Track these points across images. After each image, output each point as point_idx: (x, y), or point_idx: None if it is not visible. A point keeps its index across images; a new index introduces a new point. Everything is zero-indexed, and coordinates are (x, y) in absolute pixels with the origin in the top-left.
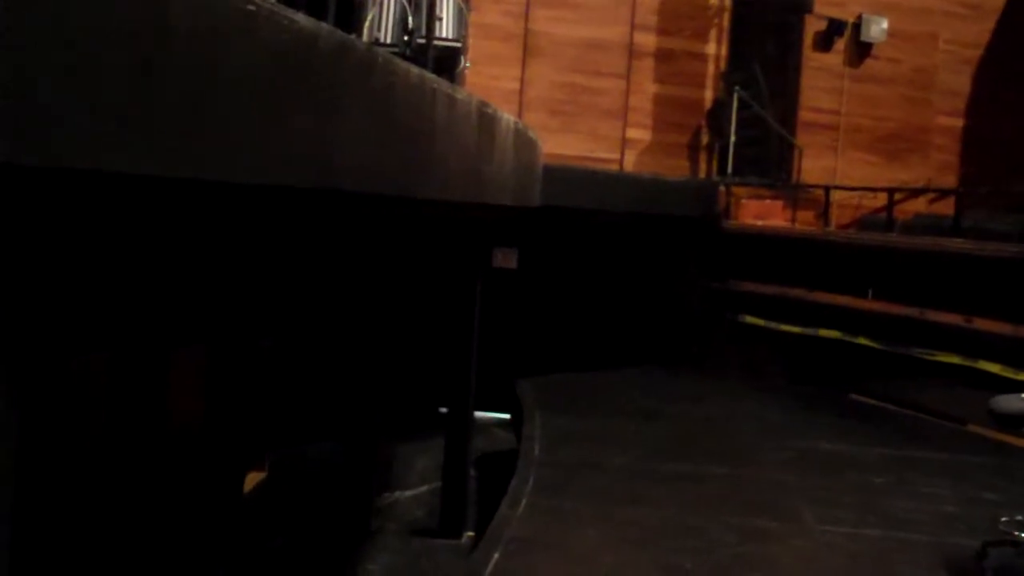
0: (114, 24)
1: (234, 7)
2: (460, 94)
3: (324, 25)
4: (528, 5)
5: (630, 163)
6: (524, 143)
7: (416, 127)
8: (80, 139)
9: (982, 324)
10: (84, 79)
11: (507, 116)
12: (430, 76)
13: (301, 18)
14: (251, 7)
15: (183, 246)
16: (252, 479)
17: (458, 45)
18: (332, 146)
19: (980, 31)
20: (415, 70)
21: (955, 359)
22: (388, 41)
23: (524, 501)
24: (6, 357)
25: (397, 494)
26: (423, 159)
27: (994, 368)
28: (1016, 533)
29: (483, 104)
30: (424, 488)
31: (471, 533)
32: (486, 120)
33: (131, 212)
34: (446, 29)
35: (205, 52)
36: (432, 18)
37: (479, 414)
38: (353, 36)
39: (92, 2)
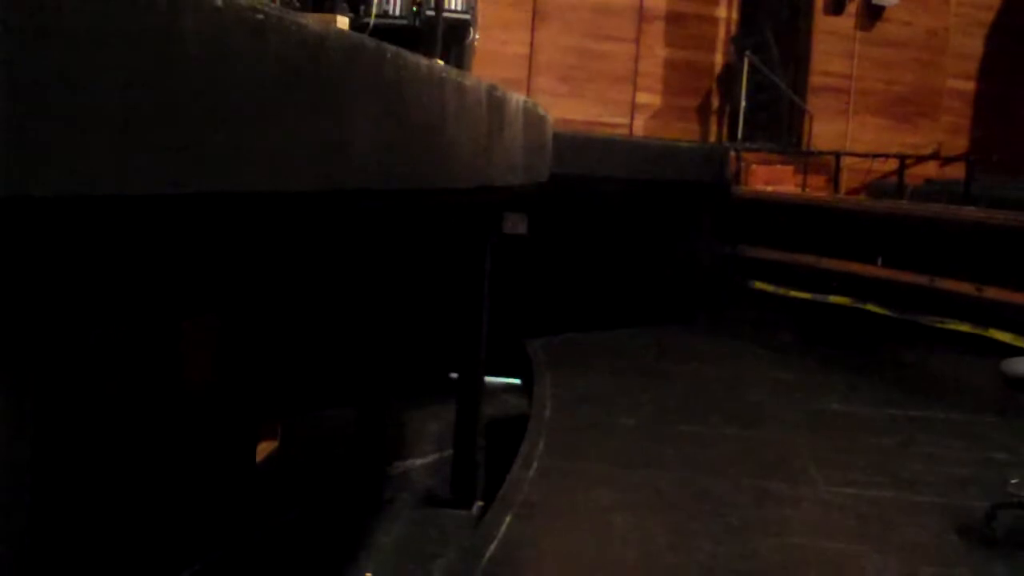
0: (121, 39)
1: (243, 17)
2: (469, 80)
3: (333, 28)
4: None
5: (640, 128)
6: (533, 121)
7: (426, 120)
8: (82, 164)
9: (993, 293)
10: (87, 97)
11: (516, 96)
12: (439, 66)
13: (310, 21)
14: (260, 16)
15: (191, 233)
16: (264, 449)
17: (467, 17)
18: (343, 148)
19: None
20: (424, 62)
21: (966, 327)
22: (397, 14)
23: (535, 464)
24: (19, 334)
25: (409, 462)
26: (433, 151)
27: (1005, 337)
28: None
29: (492, 88)
30: (435, 456)
31: (481, 502)
32: (495, 104)
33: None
34: (455, 1)
35: (213, 65)
36: None
37: (489, 379)
38: (363, 36)
39: (98, 17)
